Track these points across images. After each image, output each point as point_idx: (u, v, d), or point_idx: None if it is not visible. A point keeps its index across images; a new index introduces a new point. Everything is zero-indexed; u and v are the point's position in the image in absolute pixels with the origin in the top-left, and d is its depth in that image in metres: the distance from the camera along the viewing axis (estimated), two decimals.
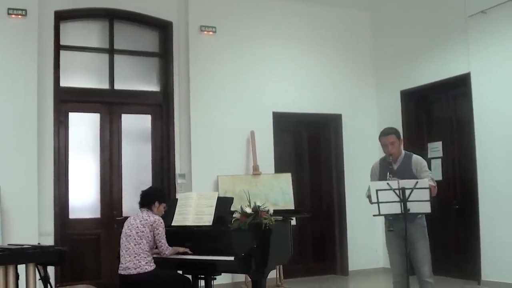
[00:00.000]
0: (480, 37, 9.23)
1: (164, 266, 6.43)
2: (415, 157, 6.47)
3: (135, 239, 6.23)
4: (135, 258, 6.17)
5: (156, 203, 6.55)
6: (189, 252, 6.42)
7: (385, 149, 6.46)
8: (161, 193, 6.83)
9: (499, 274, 8.78)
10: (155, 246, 6.40)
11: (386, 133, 6.50)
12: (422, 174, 6.26)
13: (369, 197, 6.17)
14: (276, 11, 10.70)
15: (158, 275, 6.23)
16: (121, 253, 6.36)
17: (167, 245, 6.34)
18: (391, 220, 6.20)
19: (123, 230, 6.46)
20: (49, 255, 5.86)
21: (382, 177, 6.32)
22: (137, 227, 6.28)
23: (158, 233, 6.29)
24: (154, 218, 6.33)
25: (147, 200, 6.55)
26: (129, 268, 6.16)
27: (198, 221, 6.60)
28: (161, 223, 6.34)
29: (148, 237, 6.25)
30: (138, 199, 6.66)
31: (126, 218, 6.69)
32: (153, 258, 6.35)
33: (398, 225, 6.08)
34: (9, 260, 5.57)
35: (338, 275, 10.89)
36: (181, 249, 6.44)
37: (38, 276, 5.82)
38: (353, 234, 10.84)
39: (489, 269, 8.98)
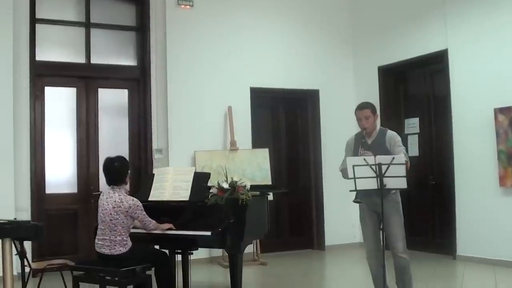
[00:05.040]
0: (457, 13, 9.27)
1: (141, 241, 6.40)
2: (390, 132, 6.44)
3: (109, 226, 6.03)
4: (110, 243, 6.02)
5: (128, 175, 6.35)
6: (173, 228, 6.32)
7: (359, 123, 6.39)
8: (127, 162, 6.40)
9: (474, 249, 8.92)
10: (132, 226, 6.21)
11: (361, 107, 6.42)
12: (395, 149, 6.21)
13: (342, 170, 6.23)
14: None
15: (134, 251, 6.13)
16: (97, 232, 6.21)
17: (149, 219, 6.15)
18: (359, 192, 6.11)
19: (98, 209, 6.21)
20: (25, 230, 5.82)
21: (356, 152, 6.31)
22: (111, 214, 6.01)
23: (139, 216, 6.07)
24: (128, 203, 6.02)
25: (119, 177, 6.19)
26: (104, 247, 6.08)
27: (175, 196, 6.56)
28: (137, 206, 6.07)
29: (123, 222, 6.02)
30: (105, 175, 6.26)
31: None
32: (134, 233, 6.23)
33: (370, 200, 6.10)
34: None
35: (315, 249, 10.99)
36: (166, 226, 6.31)
37: (14, 251, 5.81)
38: (330, 209, 10.91)
39: (464, 244, 9.12)
